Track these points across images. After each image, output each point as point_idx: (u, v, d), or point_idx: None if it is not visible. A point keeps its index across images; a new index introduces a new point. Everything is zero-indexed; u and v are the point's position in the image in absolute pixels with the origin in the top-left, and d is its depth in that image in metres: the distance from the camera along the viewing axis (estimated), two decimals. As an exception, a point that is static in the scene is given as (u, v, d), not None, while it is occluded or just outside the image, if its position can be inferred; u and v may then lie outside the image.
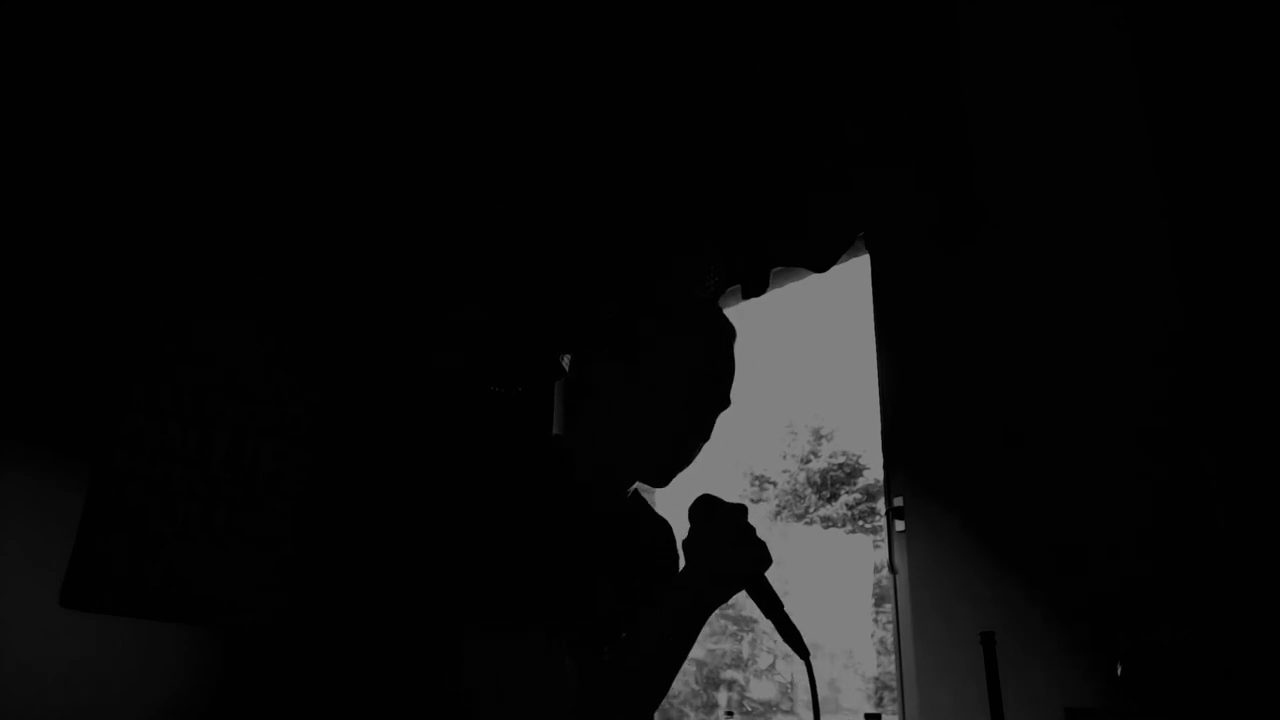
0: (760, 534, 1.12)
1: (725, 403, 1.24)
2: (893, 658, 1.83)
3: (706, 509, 1.14)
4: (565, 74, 2.72)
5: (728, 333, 1.24)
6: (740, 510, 1.14)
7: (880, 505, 2.03)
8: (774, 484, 15.48)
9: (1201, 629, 1.32)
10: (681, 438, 1.20)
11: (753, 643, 11.93)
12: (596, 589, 1.15)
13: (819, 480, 14.95)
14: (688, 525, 1.16)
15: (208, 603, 2.46)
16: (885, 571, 1.81)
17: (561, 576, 1.09)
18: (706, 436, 1.22)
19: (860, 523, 14.20)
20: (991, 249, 1.81)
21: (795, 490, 15.09)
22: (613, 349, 1.22)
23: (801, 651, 1.06)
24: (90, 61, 2.61)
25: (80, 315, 2.47)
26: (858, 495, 14.44)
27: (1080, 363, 1.64)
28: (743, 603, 1.14)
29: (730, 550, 1.10)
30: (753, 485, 15.58)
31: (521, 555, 1.06)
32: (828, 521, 14.40)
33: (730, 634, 11.93)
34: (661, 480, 1.21)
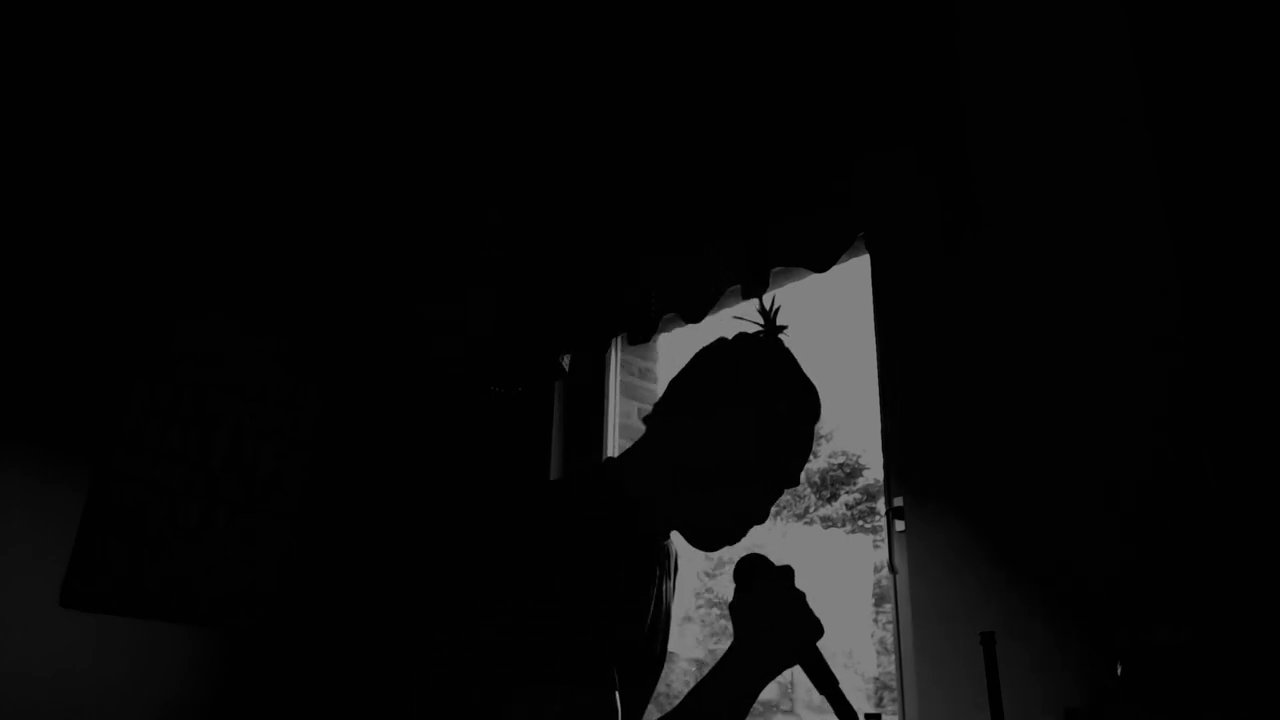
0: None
1: (794, 481, 1.20)
2: (893, 658, 1.82)
3: (752, 570, 1.10)
4: (564, 74, 2.72)
5: (813, 413, 1.20)
6: (787, 573, 1.10)
7: (880, 505, 2.03)
8: (773, 484, 15.46)
9: (1201, 629, 1.32)
10: (742, 515, 1.16)
11: (753, 643, 11.88)
12: (597, 594, 1.14)
13: (818, 480, 14.92)
14: (732, 585, 1.12)
15: (208, 603, 2.46)
16: (885, 571, 1.81)
17: (561, 580, 1.08)
18: (765, 514, 1.17)
19: (860, 523, 14.15)
20: (991, 249, 1.81)
21: (795, 490, 15.06)
22: (678, 406, 1.17)
23: None
24: (93, 62, 2.61)
25: (80, 315, 2.47)
26: (858, 495, 14.39)
27: (1080, 363, 1.64)
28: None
29: (783, 622, 1.05)
30: (752, 485, 15.55)
31: (521, 558, 1.06)
32: (827, 521, 14.34)
33: (730, 634, 11.89)
34: (710, 548, 1.19)
